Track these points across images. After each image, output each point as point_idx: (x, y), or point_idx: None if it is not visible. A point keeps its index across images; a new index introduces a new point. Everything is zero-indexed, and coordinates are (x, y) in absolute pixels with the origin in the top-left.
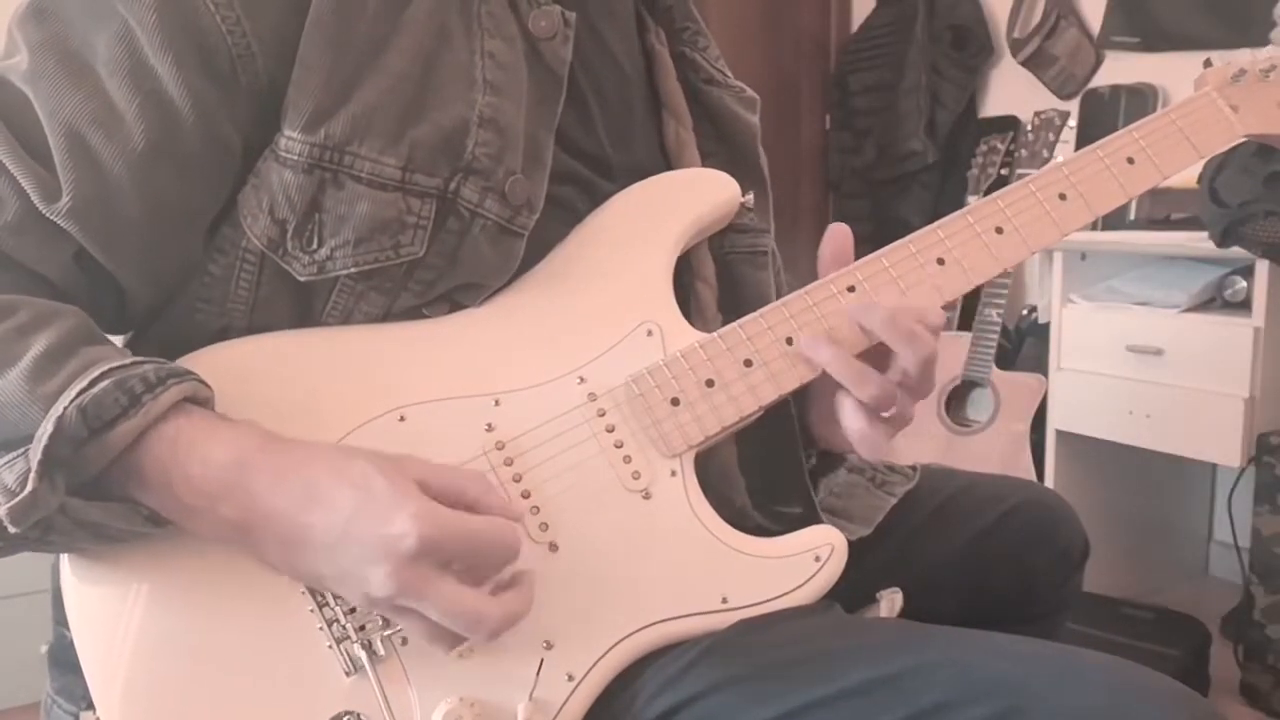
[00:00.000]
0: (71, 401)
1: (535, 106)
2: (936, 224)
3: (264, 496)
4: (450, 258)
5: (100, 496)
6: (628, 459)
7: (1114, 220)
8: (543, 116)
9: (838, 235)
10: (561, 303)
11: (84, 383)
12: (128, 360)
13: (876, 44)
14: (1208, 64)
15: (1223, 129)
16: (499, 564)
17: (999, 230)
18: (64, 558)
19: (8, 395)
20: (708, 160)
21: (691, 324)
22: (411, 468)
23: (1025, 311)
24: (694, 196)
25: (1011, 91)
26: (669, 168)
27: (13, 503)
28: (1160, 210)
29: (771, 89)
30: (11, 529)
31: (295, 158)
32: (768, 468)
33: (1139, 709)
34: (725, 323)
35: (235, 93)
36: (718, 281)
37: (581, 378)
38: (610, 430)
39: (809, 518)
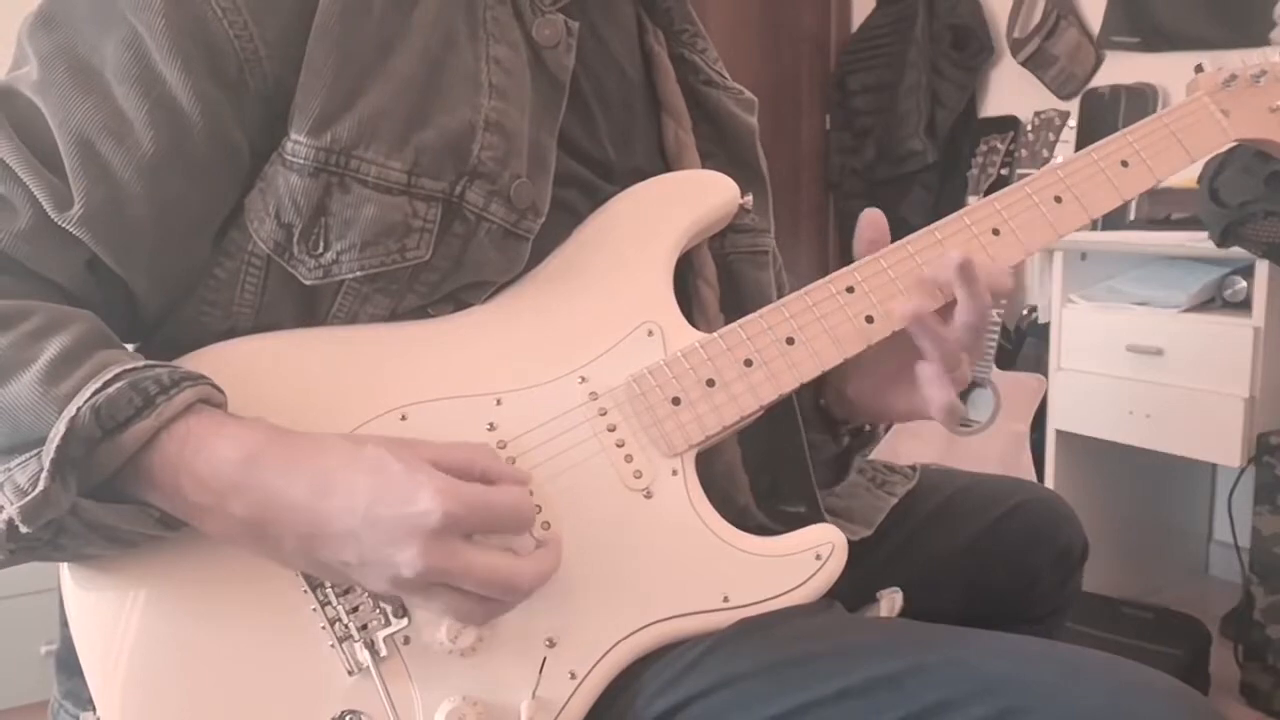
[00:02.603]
0: (86, 402)
1: (539, 112)
2: (933, 226)
3: (278, 490)
4: (456, 261)
5: (112, 499)
6: (629, 458)
7: (1114, 220)
8: (546, 121)
9: (876, 220)
10: (563, 303)
11: (98, 384)
12: (141, 363)
13: (876, 44)
14: (1199, 69)
15: (1215, 133)
16: (517, 529)
17: (995, 232)
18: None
19: (22, 398)
20: (707, 161)
21: (693, 324)
22: (421, 449)
23: (1025, 311)
24: (694, 197)
25: (1011, 91)
26: (668, 169)
27: (24, 502)
28: (1160, 210)
29: (771, 89)
30: (23, 529)
31: (301, 161)
32: (771, 467)
33: (1139, 708)
34: (727, 323)
35: (243, 97)
36: (719, 282)
37: (583, 377)
38: (612, 429)
39: (812, 517)
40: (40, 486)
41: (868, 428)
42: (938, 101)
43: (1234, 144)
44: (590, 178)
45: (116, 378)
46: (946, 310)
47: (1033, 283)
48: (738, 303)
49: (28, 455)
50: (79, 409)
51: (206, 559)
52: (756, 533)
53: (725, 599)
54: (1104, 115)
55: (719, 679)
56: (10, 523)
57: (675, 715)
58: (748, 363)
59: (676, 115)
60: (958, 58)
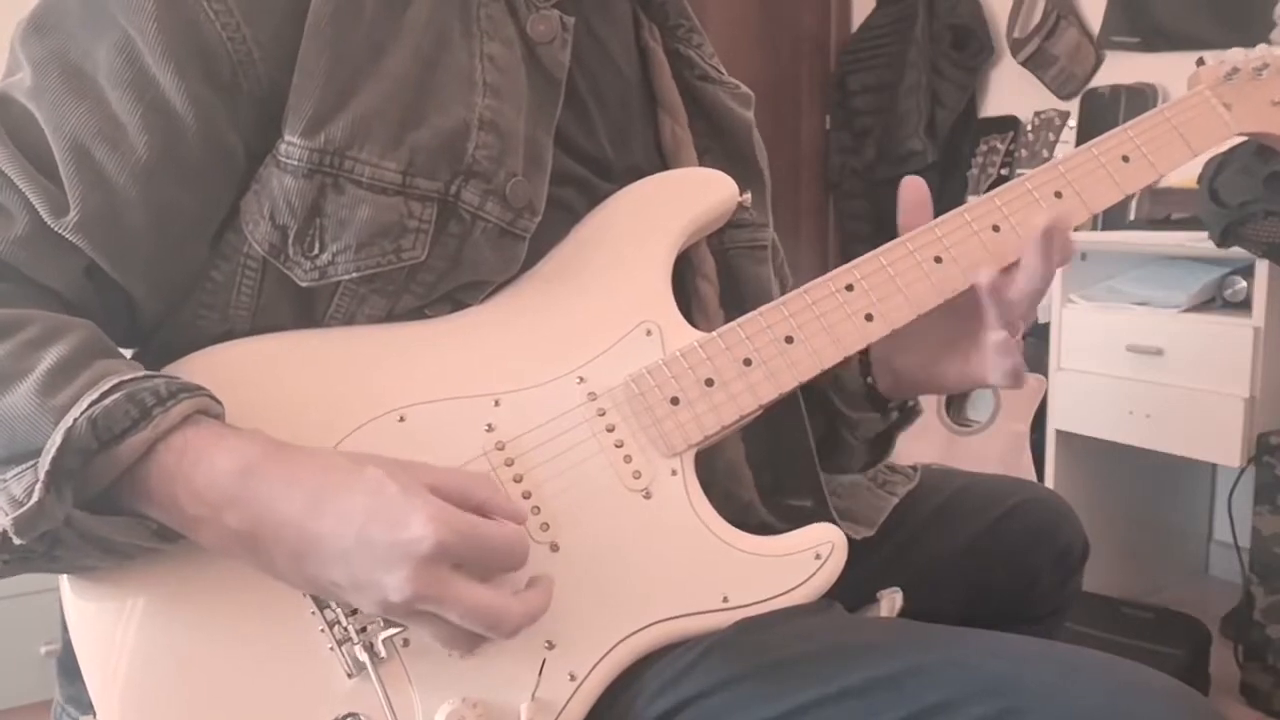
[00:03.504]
0: (82, 413)
1: (534, 109)
2: (933, 222)
3: (273, 505)
4: (452, 261)
5: (109, 510)
6: (628, 458)
7: (1114, 220)
8: (541, 119)
9: (915, 186)
10: (561, 303)
11: (95, 395)
12: (140, 374)
13: (876, 44)
14: (1200, 63)
15: (1216, 127)
16: (508, 568)
17: (995, 228)
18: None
19: (19, 408)
20: (704, 157)
21: (694, 321)
22: (421, 473)
23: None
24: (692, 195)
25: (1011, 91)
26: (665, 166)
27: (18, 513)
28: (1160, 210)
29: (771, 89)
30: (17, 540)
31: (295, 163)
32: (775, 462)
33: (1138, 707)
34: (728, 319)
35: (237, 99)
36: (719, 278)
37: (581, 377)
38: (610, 430)
39: (819, 511)
40: (35, 498)
41: (911, 403)
42: (938, 101)
43: (1236, 137)
44: (587, 176)
45: (114, 389)
46: (1005, 275)
47: None
48: (737, 298)
49: (23, 467)
50: (75, 420)
51: (205, 564)
52: (760, 530)
53: (725, 599)
54: (1104, 115)
55: (719, 679)
56: (4, 534)
57: (675, 716)
58: (747, 362)
59: (673, 112)
60: (958, 58)
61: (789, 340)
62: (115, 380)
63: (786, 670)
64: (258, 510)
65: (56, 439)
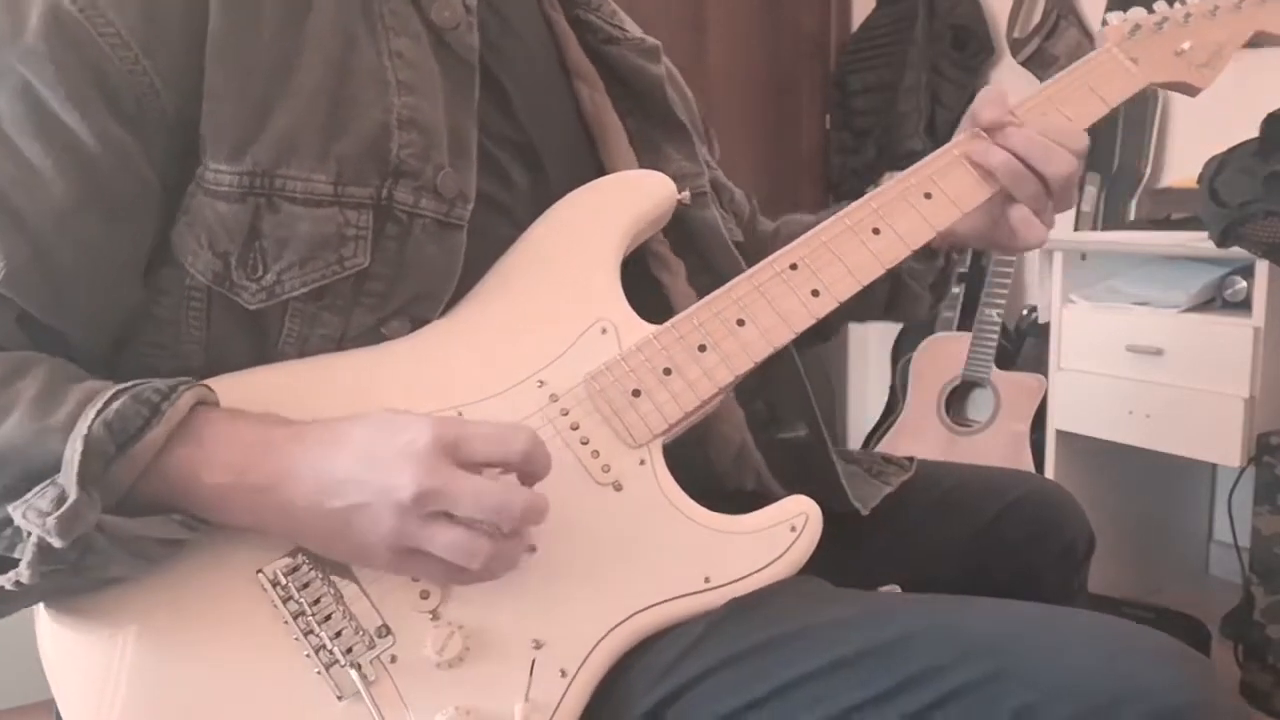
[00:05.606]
0: (95, 417)
1: (452, 98)
2: (869, 195)
3: (291, 452)
4: (396, 264)
5: (132, 513)
6: (595, 454)
7: (1114, 220)
8: (461, 106)
9: (997, 86)
10: (514, 310)
11: (99, 403)
12: (131, 383)
13: (876, 44)
14: (1105, 24)
15: (1125, 80)
16: (506, 456)
17: (928, 195)
18: (40, 609)
19: (15, 438)
20: (626, 120)
21: (658, 278)
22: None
23: (1025, 311)
24: (633, 196)
25: (1012, 91)
26: (589, 137)
27: (60, 511)
28: (1160, 210)
29: (771, 89)
30: (57, 543)
31: (226, 188)
32: (765, 392)
33: (1136, 669)
34: (688, 270)
35: (145, 131)
36: (666, 232)
37: (541, 381)
38: (575, 428)
39: (813, 440)
40: (72, 497)
41: (957, 254)
42: (938, 101)
43: (1144, 87)
44: (513, 159)
45: (115, 395)
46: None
47: (1033, 282)
48: (690, 243)
49: (44, 484)
50: (91, 426)
51: (180, 604)
52: (756, 483)
53: (706, 579)
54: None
55: (711, 663)
56: (41, 543)
57: (672, 702)
58: (701, 348)
59: (588, 79)
60: (958, 58)
61: (740, 323)
62: (114, 389)
63: (778, 647)
64: (277, 462)
65: (78, 445)
